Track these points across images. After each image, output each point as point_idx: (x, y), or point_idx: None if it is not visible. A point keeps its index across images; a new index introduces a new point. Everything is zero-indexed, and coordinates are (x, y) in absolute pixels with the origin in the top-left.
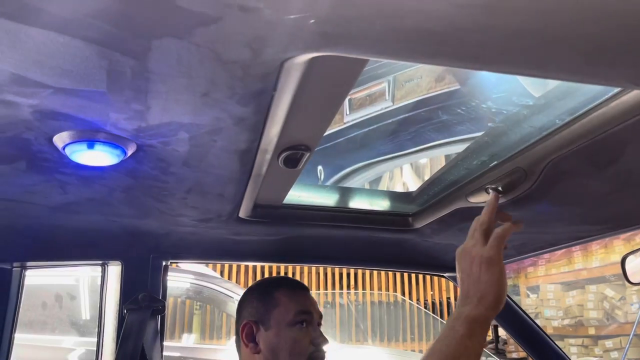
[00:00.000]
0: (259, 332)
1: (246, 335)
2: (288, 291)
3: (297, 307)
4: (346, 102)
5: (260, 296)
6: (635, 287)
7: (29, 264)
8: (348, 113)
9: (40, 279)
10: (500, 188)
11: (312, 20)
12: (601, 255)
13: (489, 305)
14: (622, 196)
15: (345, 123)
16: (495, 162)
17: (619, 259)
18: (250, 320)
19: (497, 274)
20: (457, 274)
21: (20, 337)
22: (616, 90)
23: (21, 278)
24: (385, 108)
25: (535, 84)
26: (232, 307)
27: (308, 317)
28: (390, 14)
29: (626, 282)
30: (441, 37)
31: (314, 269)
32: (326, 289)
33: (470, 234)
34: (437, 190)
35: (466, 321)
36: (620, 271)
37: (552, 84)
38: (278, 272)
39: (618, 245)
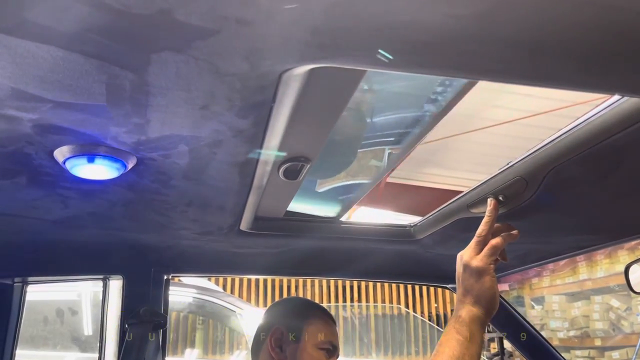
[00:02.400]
0: (288, 342)
1: (275, 340)
2: (324, 317)
3: (327, 335)
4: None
5: (298, 310)
6: None
7: (30, 279)
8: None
9: (41, 294)
10: (501, 198)
11: (309, 33)
12: (606, 265)
13: (483, 308)
14: (624, 204)
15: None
16: (496, 171)
17: (623, 269)
18: (282, 327)
19: (488, 283)
20: (456, 279)
21: (22, 353)
22: (614, 98)
23: (22, 293)
24: None
25: None
26: (235, 322)
27: (332, 350)
28: (385, 26)
29: (631, 293)
30: (436, 47)
31: (316, 282)
32: (329, 301)
33: (471, 243)
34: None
35: (465, 324)
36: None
37: None
38: (281, 285)
39: (622, 255)
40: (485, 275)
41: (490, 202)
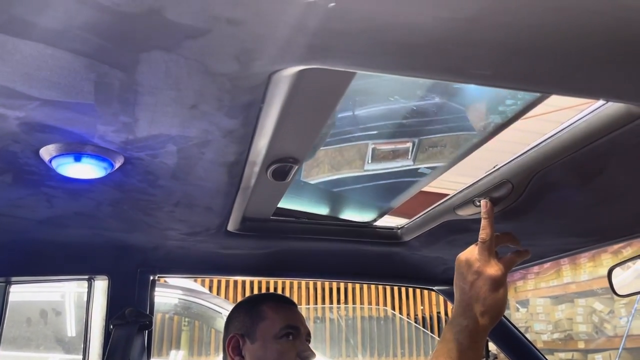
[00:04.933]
0: (245, 345)
1: (232, 348)
2: (275, 305)
3: (283, 321)
4: (370, 150)
5: (248, 310)
6: (624, 301)
7: (13, 279)
8: (370, 162)
9: (24, 295)
10: (487, 201)
11: (300, 34)
12: (589, 268)
13: (491, 319)
14: (607, 208)
15: (365, 171)
16: (483, 174)
17: (606, 272)
18: (237, 334)
19: (502, 294)
20: (457, 283)
21: (4, 355)
22: (599, 103)
23: (5, 294)
24: (404, 166)
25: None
26: (221, 323)
27: (294, 331)
28: (376, 28)
29: (614, 296)
30: (426, 50)
31: (303, 284)
32: (316, 303)
33: (474, 247)
34: (426, 203)
35: (469, 333)
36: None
37: None
38: (267, 287)
39: (606, 259)
40: (501, 286)
41: (484, 204)
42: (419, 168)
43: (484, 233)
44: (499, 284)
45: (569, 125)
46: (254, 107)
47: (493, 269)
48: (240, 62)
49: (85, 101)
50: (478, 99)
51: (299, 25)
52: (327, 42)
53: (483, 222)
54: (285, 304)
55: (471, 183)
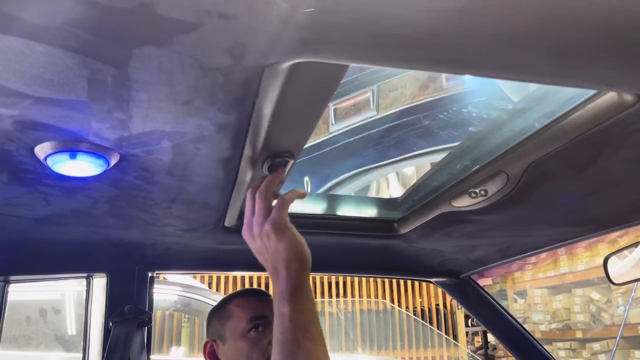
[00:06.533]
0: (219, 348)
1: (208, 354)
2: (240, 301)
3: (249, 314)
4: (331, 111)
5: (217, 313)
6: (621, 290)
7: (12, 278)
8: (333, 122)
9: (23, 294)
10: (483, 192)
11: (292, 27)
12: (586, 258)
13: (298, 268)
14: (602, 197)
15: (330, 133)
16: (478, 166)
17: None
18: (210, 339)
19: (290, 236)
20: (257, 255)
21: (4, 354)
22: (592, 92)
23: (4, 293)
24: (370, 117)
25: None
26: None
27: (263, 321)
28: (367, 20)
29: (611, 285)
30: (418, 42)
31: None
32: (315, 297)
33: (247, 207)
34: (422, 196)
35: (287, 298)
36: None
37: (531, 87)
38: (267, 283)
39: (602, 248)
40: (284, 230)
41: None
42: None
43: (262, 185)
44: (281, 228)
45: (563, 115)
46: (248, 101)
47: (270, 217)
48: (232, 57)
49: (79, 98)
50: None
51: (290, 18)
52: (319, 35)
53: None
54: (252, 297)
55: (466, 175)
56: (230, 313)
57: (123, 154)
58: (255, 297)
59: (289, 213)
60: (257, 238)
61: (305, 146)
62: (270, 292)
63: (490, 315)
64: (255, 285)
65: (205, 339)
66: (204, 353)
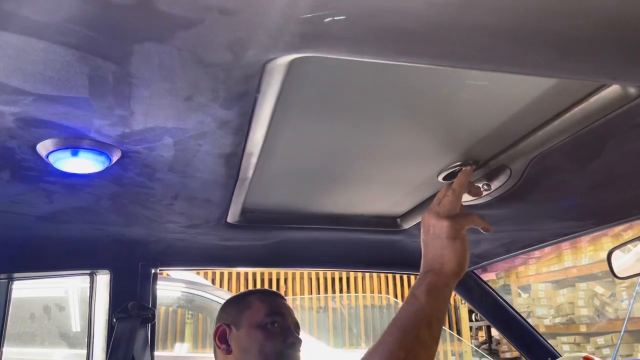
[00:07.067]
0: (231, 334)
1: (219, 337)
2: (261, 296)
3: (268, 308)
4: None
5: (235, 302)
6: (625, 284)
7: (15, 275)
8: None
9: (27, 291)
10: (486, 186)
11: (292, 21)
12: (590, 252)
13: (450, 272)
14: (605, 191)
15: None
16: (481, 161)
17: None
18: (224, 323)
19: (459, 247)
20: (422, 238)
21: (9, 351)
22: (596, 85)
23: (8, 290)
24: None
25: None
26: None
27: (279, 319)
28: (367, 14)
29: (615, 279)
30: (418, 36)
31: (305, 274)
32: (318, 293)
33: (437, 202)
34: (425, 190)
35: (427, 289)
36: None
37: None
38: (270, 278)
39: (606, 242)
40: (457, 239)
41: (464, 168)
42: None
43: (454, 185)
44: (456, 237)
45: (566, 109)
46: (249, 97)
47: (451, 223)
48: (233, 52)
49: (80, 95)
50: None
51: (291, 14)
52: (319, 30)
53: (456, 180)
54: (273, 295)
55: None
56: (250, 303)
57: (125, 151)
58: (276, 296)
59: (293, 208)
60: (444, 221)
61: None
62: (274, 289)
63: (493, 309)
64: (258, 281)
65: (208, 337)
66: (215, 335)
